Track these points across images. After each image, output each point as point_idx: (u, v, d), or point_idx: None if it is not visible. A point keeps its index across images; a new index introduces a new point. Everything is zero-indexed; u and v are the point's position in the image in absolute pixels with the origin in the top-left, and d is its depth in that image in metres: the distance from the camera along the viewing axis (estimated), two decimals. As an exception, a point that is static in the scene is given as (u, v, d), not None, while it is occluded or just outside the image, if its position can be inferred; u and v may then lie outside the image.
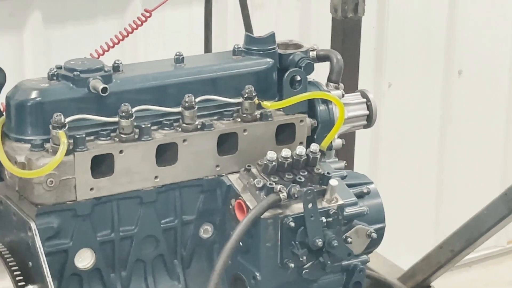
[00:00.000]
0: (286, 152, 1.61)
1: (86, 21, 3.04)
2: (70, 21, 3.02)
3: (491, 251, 4.14)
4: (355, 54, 2.51)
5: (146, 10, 2.51)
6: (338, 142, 1.76)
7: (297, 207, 1.57)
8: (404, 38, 3.79)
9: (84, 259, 1.57)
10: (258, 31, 1.82)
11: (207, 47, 2.40)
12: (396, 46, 3.79)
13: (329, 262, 1.60)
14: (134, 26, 2.46)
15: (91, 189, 1.54)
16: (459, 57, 3.93)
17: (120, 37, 2.42)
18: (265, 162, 1.60)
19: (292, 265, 1.59)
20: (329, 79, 1.79)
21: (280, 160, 1.60)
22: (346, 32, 2.49)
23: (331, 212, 1.58)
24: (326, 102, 1.74)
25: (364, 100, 1.81)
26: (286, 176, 1.61)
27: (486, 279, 4.07)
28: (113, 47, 2.36)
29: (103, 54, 2.29)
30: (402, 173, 3.93)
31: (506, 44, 4.04)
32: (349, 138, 2.44)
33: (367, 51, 3.54)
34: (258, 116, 1.66)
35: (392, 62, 3.80)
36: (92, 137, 1.55)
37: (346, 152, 2.36)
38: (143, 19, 2.48)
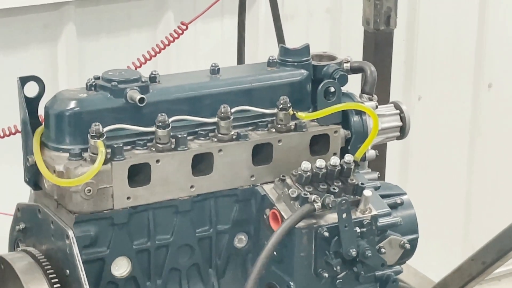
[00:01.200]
0: (320, 162, 1.61)
1: (119, 33, 3.03)
2: (103, 34, 3.02)
3: None
4: (387, 66, 2.51)
5: (182, 23, 2.54)
6: (371, 153, 1.76)
7: (331, 217, 1.57)
8: (434, 51, 3.77)
9: (121, 267, 1.57)
10: (289, 42, 1.83)
11: (240, 59, 2.42)
12: (425, 59, 3.78)
13: (362, 272, 1.59)
14: (171, 38, 2.48)
15: (128, 198, 1.54)
16: (489, 70, 3.90)
17: (157, 49, 2.45)
18: (300, 172, 1.60)
19: (326, 275, 1.58)
20: (363, 91, 1.78)
21: (314, 170, 1.60)
22: (378, 45, 2.49)
23: (365, 223, 1.58)
24: (360, 113, 1.73)
25: (398, 111, 1.81)
26: (320, 186, 1.61)
27: None
28: (150, 59, 2.39)
29: (140, 66, 2.31)
30: (431, 185, 3.93)
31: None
32: (381, 149, 2.49)
33: (398, 64, 3.53)
34: (293, 126, 1.66)
35: (422, 75, 3.77)
36: (129, 147, 1.55)
37: (378, 163, 2.32)
38: (180, 31, 2.50)
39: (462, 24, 3.84)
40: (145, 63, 2.40)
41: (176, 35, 2.49)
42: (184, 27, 2.51)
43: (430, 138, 3.89)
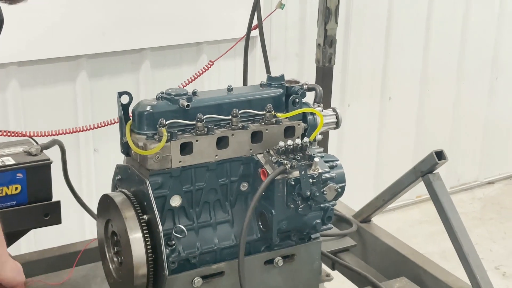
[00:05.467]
0: (289, 142, 1.77)
1: (175, 67, 3.34)
2: (166, 67, 3.28)
3: (407, 202, 4.48)
4: (329, 87, 2.74)
5: (210, 61, 2.70)
6: (319, 137, 1.93)
7: (296, 173, 1.74)
8: (358, 78, 3.99)
9: (175, 201, 1.74)
10: (273, 73, 2.00)
11: (245, 82, 2.60)
12: (353, 82, 3.99)
13: (313, 204, 1.77)
14: (204, 69, 2.63)
15: (180, 161, 1.70)
16: (389, 89, 4.16)
17: (196, 76, 2.59)
18: (278, 148, 1.76)
19: (292, 206, 1.75)
20: (314, 101, 1.96)
21: (286, 146, 1.76)
22: (324, 74, 2.75)
23: (315, 176, 1.75)
24: (313, 114, 1.90)
25: (334, 113, 2.00)
26: (290, 156, 1.77)
27: (403, 219, 4.36)
28: (192, 81, 2.69)
29: (185, 85, 2.57)
30: (354, 154, 4.23)
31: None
32: (325, 135, 2.64)
33: (336, 85, 3.69)
34: (274, 121, 1.81)
35: (350, 92, 4.12)
36: (181, 132, 1.71)
37: (323, 143, 2.47)
38: (209, 66, 2.66)
39: (375, 62, 4.11)
40: (189, 84, 2.64)
41: (207, 68, 2.71)
42: (211, 63, 2.73)
43: (354, 129, 4.17)
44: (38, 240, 3.14)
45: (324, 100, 2.19)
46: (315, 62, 2.77)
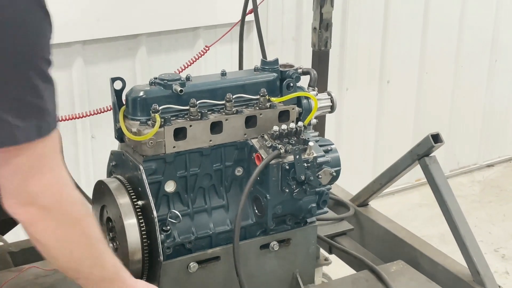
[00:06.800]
0: (284, 126, 1.77)
1: (172, 52, 3.31)
2: (162, 52, 3.26)
3: (406, 185, 4.46)
4: (325, 70, 2.73)
5: (206, 46, 2.70)
6: (314, 121, 1.93)
7: (290, 158, 1.74)
8: (355, 61, 3.96)
9: (170, 186, 1.74)
10: (270, 58, 1.98)
11: (240, 67, 2.58)
12: (351, 65, 3.97)
13: (308, 188, 1.77)
14: (200, 55, 2.74)
15: (174, 147, 1.70)
16: (388, 72, 4.12)
17: (191, 61, 2.58)
18: (272, 132, 1.76)
19: (287, 190, 1.75)
20: (309, 85, 1.95)
21: (280, 131, 1.76)
22: (320, 58, 2.72)
23: (309, 160, 1.75)
24: (307, 98, 1.90)
25: (329, 97, 1.99)
26: (284, 140, 1.76)
27: (403, 202, 4.37)
28: (188, 67, 2.67)
29: (181, 71, 2.54)
30: (353, 137, 4.24)
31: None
32: (321, 119, 2.64)
33: (334, 68, 3.75)
34: (268, 106, 1.81)
35: (349, 75, 4.15)
36: (174, 118, 1.71)
37: (320, 127, 2.51)
38: (204, 51, 2.65)
39: (373, 45, 4.05)
40: (185, 69, 2.62)
41: (203, 53, 2.70)
42: (207, 48, 2.72)
43: (353, 113, 4.17)
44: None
45: (321, 84, 2.19)
46: (311, 46, 2.73)
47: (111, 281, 1.35)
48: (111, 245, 1.80)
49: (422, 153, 2.17)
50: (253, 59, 3.42)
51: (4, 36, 1.07)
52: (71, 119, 2.55)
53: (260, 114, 1.81)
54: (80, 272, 1.31)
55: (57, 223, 1.21)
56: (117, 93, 1.75)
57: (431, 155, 2.17)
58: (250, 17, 2.61)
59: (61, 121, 2.49)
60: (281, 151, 1.73)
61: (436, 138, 2.11)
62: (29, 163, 1.16)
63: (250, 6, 2.48)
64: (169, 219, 1.70)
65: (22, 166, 1.16)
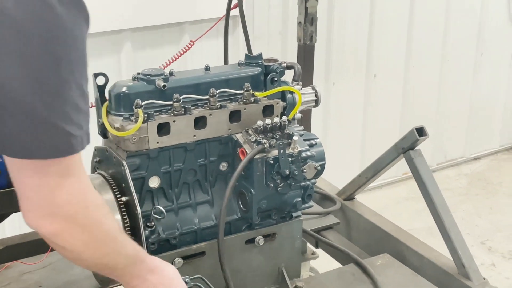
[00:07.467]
0: (268, 121, 1.76)
1: (157, 48, 3.29)
2: (148, 47, 3.24)
3: (393, 179, 4.48)
4: (311, 65, 2.70)
5: (191, 41, 2.74)
6: (298, 116, 1.93)
7: (274, 152, 1.74)
8: (341, 55, 3.97)
9: (154, 182, 1.73)
10: (256, 52, 1.97)
11: (226, 61, 2.57)
12: (337, 60, 3.98)
13: (293, 183, 1.77)
14: (184, 50, 2.76)
15: (157, 142, 1.68)
16: (375, 66, 4.15)
17: (177, 56, 2.57)
18: (256, 127, 1.76)
19: (272, 184, 1.75)
20: (293, 79, 1.94)
21: (264, 125, 1.76)
22: (306, 52, 2.70)
23: (294, 155, 1.75)
24: (291, 92, 1.89)
25: (314, 91, 1.99)
26: (268, 134, 1.76)
27: (390, 196, 4.36)
28: (172, 62, 2.69)
29: (166, 66, 2.52)
30: (340, 131, 4.27)
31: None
32: (307, 113, 2.66)
33: (320, 63, 3.75)
34: (253, 100, 1.80)
35: (335, 70, 4.18)
36: (157, 113, 1.69)
37: (305, 122, 2.49)
38: (189, 46, 2.65)
39: (359, 39, 4.05)
40: (170, 64, 2.61)
41: (187, 48, 2.69)
42: (192, 43, 2.71)
43: (339, 107, 4.25)
44: (22, 224, 3.11)
45: (306, 78, 2.18)
46: (296, 40, 2.72)
47: (134, 264, 1.39)
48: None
49: (407, 146, 2.17)
50: (239, 54, 3.41)
51: (66, 47, 1.09)
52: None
53: (244, 108, 1.80)
54: (109, 267, 1.35)
55: (82, 228, 1.21)
56: (100, 89, 1.74)
57: (416, 148, 2.18)
58: (236, 12, 2.59)
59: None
60: (265, 145, 1.72)
61: (421, 131, 2.12)
62: (59, 172, 1.14)
63: (235, 0, 2.46)
64: (153, 215, 1.70)
65: (52, 176, 1.13)
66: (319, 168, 1.82)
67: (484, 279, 1.98)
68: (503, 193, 4.44)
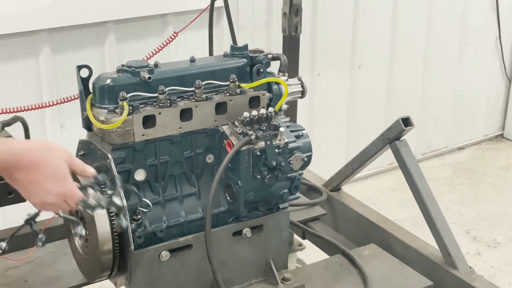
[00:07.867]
0: (254, 112, 1.76)
1: (141, 39, 3.27)
2: (131, 39, 3.23)
3: (379, 169, 4.48)
4: (296, 56, 2.70)
5: (174, 32, 2.70)
6: (284, 107, 1.94)
7: (261, 144, 1.74)
8: (326, 46, 3.94)
9: (140, 175, 1.73)
10: (241, 43, 1.96)
11: (211, 53, 2.56)
12: (322, 51, 3.96)
13: (279, 174, 1.77)
14: (168, 41, 2.73)
15: (143, 135, 1.68)
16: (359, 57, 4.12)
17: (160, 48, 2.57)
18: (242, 118, 1.75)
19: (258, 176, 1.75)
20: (279, 70, 1.95)
21: (251, 117, 1.75)
22: (291, 43, 2.70)
23: (281, 146, 1.75)
24: (277, 83, 1.90)
25: (300, 82, 2.00)
26: (255, 126, 1.76)
27: (376, 186, 4.39)
28: (155, 54, 2.68)
29: (150, 58, 2.52)
30: (326, 122, 4.23)
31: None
32: (293, 104, 2.65)
33: (305, 54, 3.72)
34: (239, 92, 1.79)
35: (320, 61, 4.15)
36: (142, 105, 1.69)
37: (291, 113, 2.49)
38: (173, 37, 2.63)
39: (344, 30, 4.04)
40: (153, 56, 2.60)
41: (171, 39, 2.68)
42: (175, 34, 2.70)
43: (324, 98, 4.21)
44: (6, 218, 3.09)
45: (292, 69, 2.16)
46: (281, 31, 2.70)
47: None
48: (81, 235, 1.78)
49: (393, 137, 2.18)
50: (224, 46, 3.40)
51: None
52: (39, 108, 2.51)
53: (230, 100, 1.79)
54: None
55: None
56: (84, 81, 1.72)
57: (401, 138, 2.18)
58: (220, 3, 2.57)
59: (27, 110, 2.43)
60: (252, 137, 1.72)
61: (407, 121, 2.12)
62: None
63: (219, -9, 2.44)
64: (139, 208, 1.69)
65: None
66: (306, 159, 1.82)
67: (470, 268, 1.99)
68: (487, 183, 4.47)
